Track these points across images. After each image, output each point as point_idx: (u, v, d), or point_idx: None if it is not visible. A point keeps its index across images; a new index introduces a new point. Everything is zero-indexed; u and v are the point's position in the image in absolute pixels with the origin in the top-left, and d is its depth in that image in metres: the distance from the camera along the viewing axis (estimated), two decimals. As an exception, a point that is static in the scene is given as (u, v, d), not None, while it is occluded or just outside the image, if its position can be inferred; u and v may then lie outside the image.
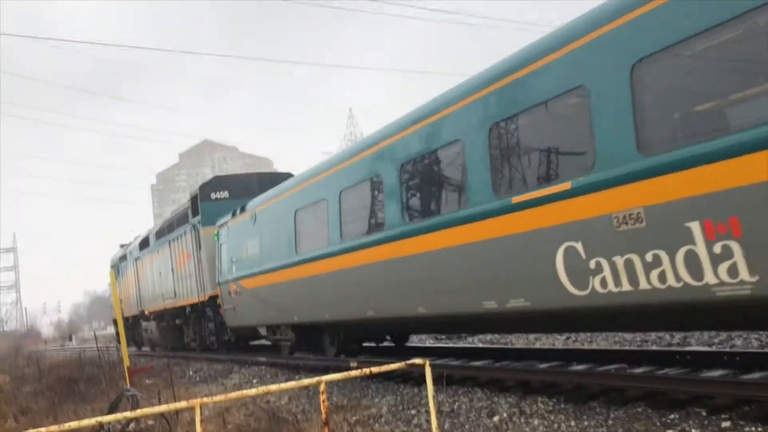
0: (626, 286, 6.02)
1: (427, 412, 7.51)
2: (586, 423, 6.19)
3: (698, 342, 9.69)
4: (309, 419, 8.64)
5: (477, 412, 7.30)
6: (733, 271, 5.16)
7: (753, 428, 5.25)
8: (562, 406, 6.90)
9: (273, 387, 4.37)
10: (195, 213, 19.10)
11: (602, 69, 6.23)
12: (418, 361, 4.58)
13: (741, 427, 5.34)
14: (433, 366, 5.06)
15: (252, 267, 14.43)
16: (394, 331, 13.23)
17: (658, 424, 5.80)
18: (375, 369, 4.71)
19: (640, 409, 6.29)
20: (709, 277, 5.32)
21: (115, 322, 33.13)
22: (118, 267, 30.45)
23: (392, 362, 9.31)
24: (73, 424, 3.66)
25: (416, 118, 9.05)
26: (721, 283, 5.26)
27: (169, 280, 21.70)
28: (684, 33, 5.50)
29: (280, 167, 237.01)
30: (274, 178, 17.85)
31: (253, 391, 4.31)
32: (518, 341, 12.58)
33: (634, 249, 5.90)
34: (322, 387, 4.25)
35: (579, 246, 6.42)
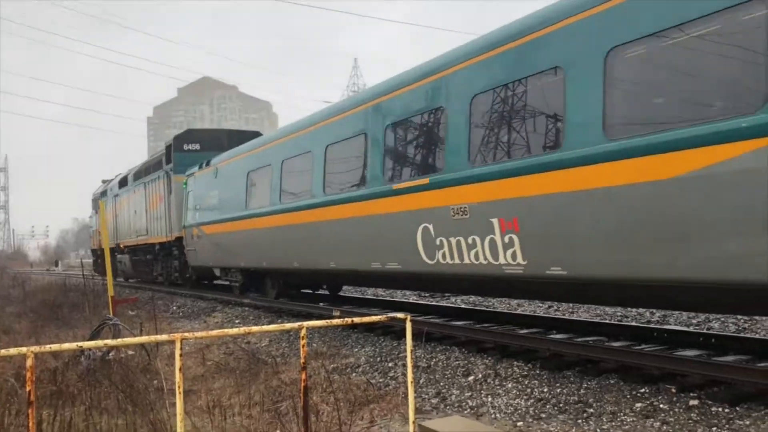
0: (457, 260, 8.10)
1: (404, 365, 7.63)
2: (558, 390, 6.30)
3: (677, 321, 9.83)
4: (288, 363, 8.76)
5: (453, 370, 7.42)
6: (514, 255, 7.23)
7: (720, 408, 5.37)
8: (538, 372, 7.02)
9: (255, 328, 4.40)
10: (168, 161, 20.87)
11: (456, 95, 8.25)
12: (399, 315, 4.62)
13: (708, 406, 5.46)
14: (414, 322, 5.11)
15: (212, 215, 16.30)
16: (318, 281, 15.38)
17: (629, 396, 5.92)
18: (357, 319, 4.74)
19: (612, 381, 6.41)
20: (501, 259, 7.36)
21: (93, 252, 35.42)
22: (98, 201, 32.19)
23: (374, 314, 9.43)
24: (54, 347, 3.68)
25: (324, 116, 11.57)
26: (508, 264, 7.32)
27: (142, 219, 23.48)
28: None
29: (280, 112, 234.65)
30: (242, 136, 19.64)
31: (234, 331, 4.34)
32: (501, 305, 12.72)
33: (462, 233, 7.93)
34: (303, 332, 4.29)
35: (431, 227, 8.47)
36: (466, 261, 7.91)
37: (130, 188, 25.70)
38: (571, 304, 12.06)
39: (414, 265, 8.89)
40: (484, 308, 11.98)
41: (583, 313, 11.31)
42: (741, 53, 5.29)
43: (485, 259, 7.61)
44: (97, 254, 34.08)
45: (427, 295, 15.15)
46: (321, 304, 13.81)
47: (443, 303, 13.32)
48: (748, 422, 5.04)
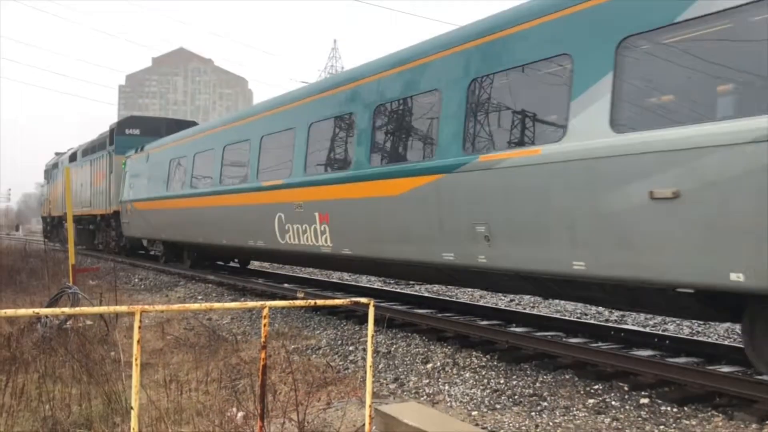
0: (296, 240, 10.86)
1: (365, 350, 7.67)
2: (514, 382, 6.41)
3: (634, 322, 10.04)
4: (248, 341, 8.74)
5: (412, 357, 7.48)
6: (327, 240, 10.01)
7: (669, 408, 5.52)
8: (495, 363, 7.12)
9: (217, 305, 4.38)
10: (111, 143, 23.58)
11: (302, 122, 11.01)
12: (363, 300, 4.63)
13: (658, 405, 5.61)
14: (377, 307, 5.14)
15: (142, 193, 18.98)
16: (220, 255, 17.90)
17: (582, 392, 6.04)
18: (320, 302, 4.75)
19: (568, 377, 6.54)
20: (320, 242, 10.15)
21: (43, 219, 37.78)
22: (51, 172, 35.06)
23: (338, 297, 9.43)
24: (10, 312, 3.61)
25: (227, 121, 14.44)
26: (324, 246, 10.10)
27: (87, 192, 26.20)
28: None
29: (255, 88, 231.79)
30: (180, 125, 22.53)
31: (195, 306, 4.31)
32: (463, 296, 12.84)
33: (300, 222, 10.61)
34: (265, 311, 4.27)
35: (283, 216, 11.15)
36: (302, 242, 10.73)
37: (79, 163, 28.06)
38: (533, 299, 12.23)
39: (272, 244, 11.74)
40: (447, 298, 12.09)
41: (544, 308, 11.48)
42: (426, 125, 8.27)
43: (311, 241, 10.46)
44: (47, 221, 36.11)
45: (392, 282, 15.22)
46: (285, 284, 13.81)
47: (407, 290, 13.39)
48: (694, 422, 5.19)
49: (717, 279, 5.13)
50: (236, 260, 18.84)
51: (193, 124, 21.69)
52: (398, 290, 13.28)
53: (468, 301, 11.69)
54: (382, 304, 10.21)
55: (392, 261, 8.89)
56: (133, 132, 23.11)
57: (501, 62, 7.07)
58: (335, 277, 17.05)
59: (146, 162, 18.95)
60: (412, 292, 12.82)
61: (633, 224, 5.67)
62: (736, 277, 5.00)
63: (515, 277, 7.23)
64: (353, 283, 15.38)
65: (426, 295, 12.49)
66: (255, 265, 20.06)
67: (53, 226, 33.95)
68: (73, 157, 29.49)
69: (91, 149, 26.33)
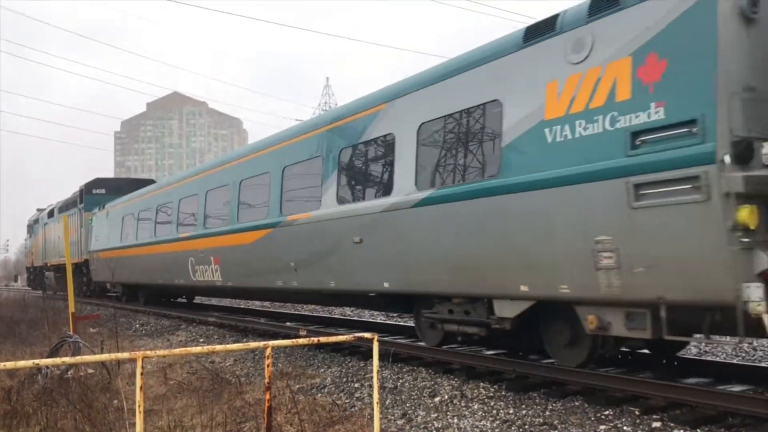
0: (201, 278, 14.78)
1: (371, 386, 7.57)
2: (524, 412, 6.32)
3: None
4: (252, 383, 8.63)
5: (419, 391, 7.38)
6: (218, 275, 13.93)
7: (681, 430, 5.44)
8: (503, 393, 7.03)
9: (219, 347, 4.33)
10: (81, 201, 27.49)
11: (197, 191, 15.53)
12: (367, 335, 4.59)
13: (671, 428, 5.52)
14: (381, 342, 5.09)
15: (104, 244, 22.89)
16: (163, 293, 21.47)
17: (593, 418, 5.95)
18: (323, 339, 4.70)
19: (577, 403, 6.45)
20: (215, 278, 13.84)
21: (27, 269, 42.95)
22: (32, 227, 39.80)
23: (341, 334, 9.35)
24: (9, 365, 3.57)
25: (156, 187, 19.21)
26: (217, 280, 13.99)
27: (63, 244, 28.18)
28: None
29: (250, 128, 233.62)
30: (138, 183, 26.52)
31: (197, 349, 4.26)
32: (467, 326, 12.74)
33: (203, 263, 14.50)
34: (268, 351, 4.23)
35: (194, 260, 15.11)
36: (206, 278, 14.69)
37: (55, 219, 31.90)
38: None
39: (188, 281, 15.72)
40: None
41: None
42: (265, 194, 12.11)
43: (210, 277, 14.39)
44: (30, 271, 41.71)
45: (395, 315, 15.11)
46: (287, 323, 13.70)
47: (410, 323, 13.28)
48: (708, 444, 5.10)
49: (380, 287, 9.05)
50: (184, 297, 22.45)
51: (151, 182, 25.56)
52: (401, 323, 13.18)
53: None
54: (386, 339, 10.12)
55: (254, 288, 13.22)
56: (99, 192, 26.71)
57: (296, 157, 11.19)
58: (337, 313, 16.94)
59: (106, 218, 23.00)
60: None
61: (350, 257, 9.53)
62: (388, 285, 8.91)
63: (311, 293, 11.53)
64: (356, 318, 15.28)
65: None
66: (256, 304, 20.81)
67: (36, 275, 38.82)
68: (50, 214, 33.75)
69: (65, 206, 30.41)
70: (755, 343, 9.35)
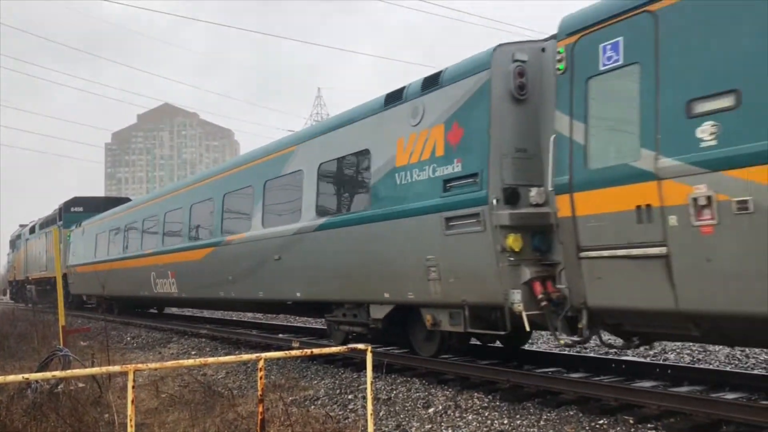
0: (161, 289, 16.75)
1: (364, 398, 7.53)
2: (518, 422, 6.29)
3: (634, 353, 9.95)
4: (245, 395, 8.57)
5: (413, 402, 7.35)
6: (175, 288, 16.00)
7: (677, 440, 5.42)
8: (498, 403, 7.00)
9: (211, 360, 4.29)
10: (60, 219, 29.43)
11: (168, 210, 17.00)
12: (360, 346, 4.56)
13: (666, 437, 5.50)
14: (374, 353, 5.06)
15: (80, 260, 24.67)
16: (134, 304, 23.58)
17: (588, 428, 5.94)
18: (316, 350, 4.67)
19: (572, 413, 6.43)
20: (172, 290, 16.09)
21: (9, 283, 46.15)
22: (15, 243, 42.29)
23: (334, 345, 9.30)
24: (-2, 379, 3.52)
25: (122, 209, 21.48)
26: (173, 291, 16.18)
27: (44, 259, 31.75)
28: None
29: (242, 139, 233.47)
30: (114, 201, 28.21)
31: (189, 362, 4.23)
32: (461, 336, 12.71)
33: (162, 277, 16.49)
34: (261, 363, 4.20)
35: (155, 273, 16.93)
36: (165, 290, 16.63)
37: (36, 235, 34.10)
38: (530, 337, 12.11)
39: (150, 292, 17.78)
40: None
41: (542, 344, 11.38)
42: (210, 218, 14.18)
43: (168, 289, 16.45)
44: (12, 285, 44.17)
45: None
46: (280, 335, 13.63)
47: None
48: (703, 453, 5.09)
49: (294, 297, 11.02)
50: (155, 308, 24.30)
51: (127, 200, 27.40)
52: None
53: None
54: (379, 350, 10.07)
55: (203, 299, 15.94)
56: (77, 210, 28.40)
57: (234, 186, 13.12)
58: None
59: (83, 235, 24.85)
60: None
61: (272, 272, 11.38)
62: (299, 295, 10.85)
63: (246, 302, 13.91)
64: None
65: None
66: (248, 316, 20.74)
67: (18, 288, 41.13)
68: (32, 230, 35.70)
69: (46, 224, 32.16)
70: (747, 351, 9.37)
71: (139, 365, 3.86)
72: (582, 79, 6.52)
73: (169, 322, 18.59)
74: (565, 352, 9.49)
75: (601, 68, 6.36)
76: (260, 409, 4.20)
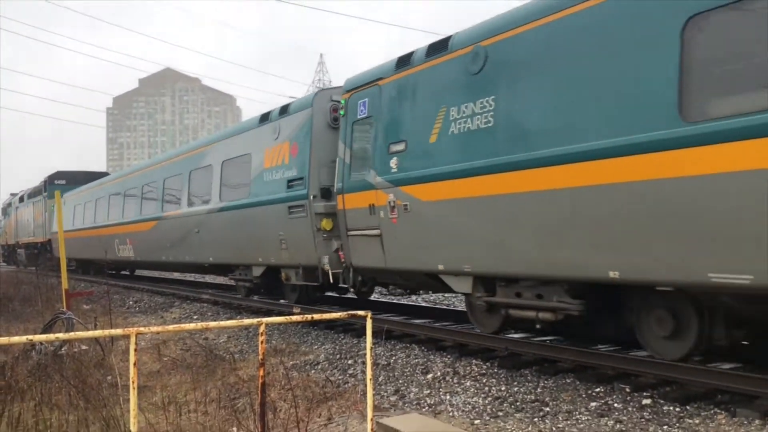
0: (123, 254, 20.47)
1: (364, 363, 7.62)
2: (516, 389, 6.37)
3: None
4: (246, 359, 8.68)
5: (412, 368, 7.44)
6: (133, 253, 19.55)
7: (671, 407, 5.51)
8: (496, 370, 7.09)
9: (212, 324, 4.34)
10: (45, 190, 32.28)
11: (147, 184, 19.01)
12: (360, 312, 4.60)
13: (660, 405, 5.59)
14: (374, 319, 5.11)
15: (65, 225, 29.25)
16: (108, 267, 24.72)
17: (584, 396, 6.02)
18: (317, 316, 4.71)
19: (569, 381, 6.51)
20: (130, 255, 19.94)
21: (2, 247, 48.49)
22: (6, 210, 45.94)
23: (335, 311, 9.39)
24: (3, 340, 3.57)
25: (94, 185, 24.80)
26: (131, 256, 20.01)
27: (31, 225, 35.30)
28: None
29: (244, 105, 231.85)
30: (94, 176, 30.02)
31: (191, 326, 4.27)
32: (460, 304, 12.81)
33: (123, 243, 20.06)
34: (262, 328, 4.24)
35: (118, 241, 20.45)
36: (125, 255, 20.00)
37: (26, 204, 37.23)
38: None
39: (115, 257, 21.07)
40: (444, 307, 12.05)
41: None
42: (158, 198, 17.73)
43: (128, 254, 19.69)
44: (4, 248, 47.33)
45: (386, 292, 15.15)
46: (282, 301, 13.74)
47: (404, 301, 13.34)
48: (697, 421, 5.17)
49: (209, 261, 14.65)
50: (128, 270, 27.44)
51: (106, 174, 31.45)
52: (395, 301, 13.22)
53: (464, 309, 11.65)
54: (379, 316, 10.16)
55: (151, 261, 19.05)
56: (61, 182, 31.07)
57: (172, 172, 16.51)
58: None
59: (64, 206, 28.01)
60: (409, 303, 12.77)
61: (194, 241, 14.86)
62: (212, 259, 14.53)
63: (179, 264, 17.33)
64: (349, 296, 15.32)
65: (423, 305, 12.45)
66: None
67: (9, 252, 44.98)
68: (21, 199, 39.02)
69: (33, 194, 35.63)
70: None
71: (141, 329, 3.90)
72: (350, 122, 9.66)
73: (170, 287, 18.71)
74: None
75: (359, 117, 9.52)
76: (261, 373, 4.26)
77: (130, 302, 16.82)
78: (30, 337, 3.86)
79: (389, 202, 8.59)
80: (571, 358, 6.96)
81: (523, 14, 6.98)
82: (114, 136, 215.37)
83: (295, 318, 4.66)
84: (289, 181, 11.09)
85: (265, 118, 12.32)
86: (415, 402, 6.29)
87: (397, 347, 8.51)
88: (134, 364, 3.72)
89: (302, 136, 10.86)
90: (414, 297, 14.24)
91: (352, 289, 10.67)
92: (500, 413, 5.75)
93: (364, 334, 4.98)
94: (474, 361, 7.46)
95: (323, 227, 10.38)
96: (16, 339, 3.71)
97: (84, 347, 9.33)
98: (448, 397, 6.34)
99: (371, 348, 4.54)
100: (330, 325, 10.52)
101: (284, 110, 11.63)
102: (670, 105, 5.44)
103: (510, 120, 6.96)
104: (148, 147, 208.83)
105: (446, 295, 13.78)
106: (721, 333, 5.97)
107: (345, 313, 4.85)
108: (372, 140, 9.04)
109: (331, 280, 10.35)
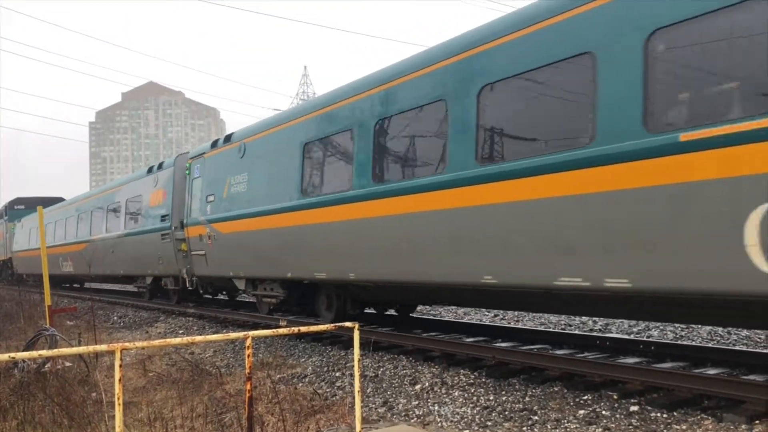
0: (65, 269, 24.89)
1: (352, 375, 7.59)
2: (504, 398, 6.37)
3: (618, 330, 10.08)
4: (232, 374, 8.60)
5: (400, 379, 7.41)
6: (72, 268, 24.04)
7: (659, 414, 5.52)
8: (484, 380, 7.08)
9: (198, 338, 4.30)
10: (5, 215, 37.21)
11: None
12: (347, 324, 4.59)
13: (648, 412, 5.60)
14: (362, 331, 5.09)
15: (20, 247, 31.95)
16: (53, 280, 26.31)
17: (572, 404, 6.02)
18: (304, 329, 4.69)
19: (557, 389, 6.52)
20: (71, 269, 24.22)
21: None
22: None
23: (322, 323, 9.34)
24: (-16, 359, 3.51)
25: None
26: (72, 270, 24.03)
27: None
28: None
29: (227, 118, 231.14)
30: (50, 201, 32.87)
31: (177, 340, 4.23)
32: (447, 314, 12.80)
33: (66, 260, 24.90)
34: (248, 342, 4.21)
35: (61, 259, 24.87)
36: (68, 270, 23.97)
37: None
38: (516, 314, 12.23)
39: (59, 271, 24.62)
40: (431, 317, 12.04)
41: (528, 321, 11.49)
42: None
43: (69, 269, 23.69)
44: None
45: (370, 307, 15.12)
46: (274, 314, 13.66)
47: (391, 311, 13.31)
48: (684, 426, 5.19)
49: (120, 272, 19.58)
50: (78, 284, 30.39)
51: (61, 199, 33.52)
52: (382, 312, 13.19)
53: (452, 319, 11.65)
54: (366, 328, 10.13)
55: (86, 275, 22.27)
56: (20, 207, 35.87)
57: (100, 204, 20.70)
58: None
59: (22, 228, 32.16)
60: (396, 314, 12.74)
61: (111, 258, 19.67)
62: (122, 272, 19.34)
63: (104, 276, 21.53)
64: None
65: (411, 315, 12.42)
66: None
67: None
68: None
69: None
70: (729, 328, 9.51)
71: (126, 344, 3.86)
72: (191, 179, 14.04)
73: (156, 302, 18.55)
74: (551, 330, 9.59)
75: (195, 176, 13.89)
76: (248, 387, 4.23)
77: (115, 317, 16.64)
78: (12, 354, 3.80)
79: (208, 233, 13.09)
80: (559, 366, 6.97)
81: (256, 128, 11.91)
82: (97, 150, 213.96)
83: (281, 331, 4.63)
84: (162, 216, 15.77)
85: (150, 170, 17.15)
86: (403, 413, 6.26)
87: (385, 358, 8.49)
88: (119, 380, 3.68)
89: (168, 185, 15.68)
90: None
91: (200, 291, 15.14)
92: (489, 423, 5.73)
93: (352, 346, 4.96)
94: (462, 370, 7.45)
95: (182, 248, 14.62)
96: (-3, 357, 3.65)
97: (68, 364, 9.21)
98: (436, 407, 6.32)
99: (359, 360, 4.52)
100: (317, 337, 10.47)
101: (160, 166, 16.56)
102: (298, 189, 10.21)
103: (252, 187, 11.59)
104: (132, 161, 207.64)
105: (433, 306, 13.79)
106: (352, 307, 10.64)
107: (332, 325, 4.83)
108: (200, 192, 13.60)
109: (188, 285, 14.99)
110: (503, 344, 8.49)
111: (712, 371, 6.41)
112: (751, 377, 6.08)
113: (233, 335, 4.50)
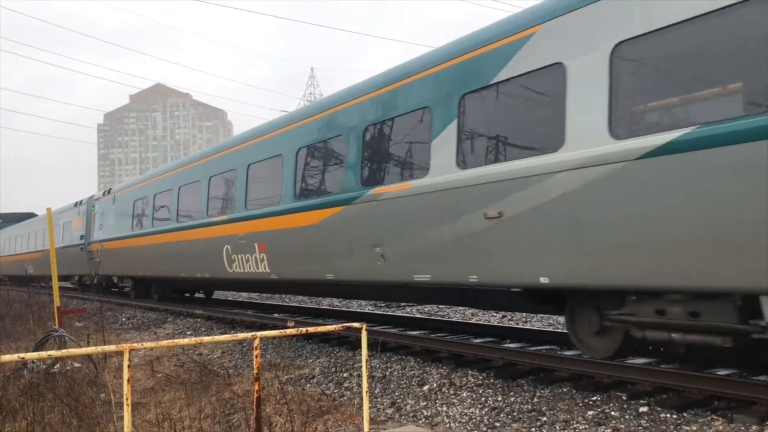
0: (32, 271, 34.14)
1: (359, 376, 7.58)
2: (512, 399, 6.35)
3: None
4: (240, 374, 8.61)
5: (408, 380, 7.40)
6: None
7: (668, 414, 5.49)
8: (492, 380, 7.06)
9: (206, 339, 4.30)
10: None
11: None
12: (355, 325, 4.58)
13: (657, 412, 5.57)
14: (369, 331, 5.08)
15: (4, 252, 39.96)
16: (24, 280, 35.01)
17: (581, 404, 6.00)
18: (311, 329, 4.69)
19: (565, 390, 6.49)
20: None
21: None
22: None
23: (330, 324, 9.34)
24: (-7, 359, 3.53)
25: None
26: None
27: None
28: None
29: (235, 120, 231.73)
30: (24, 216, 41.49)
31: (185, 341, 4.23)
32: (455, 315, 12.78)
33: (29, 265, 34.13)
34: (256, 342, 4.21)
35: (26, 262, 34.71)
36: (31, 272, 32.30)
37: None
38: (524, 315, 12.19)
39: (25, 273, 33.27)
40: (439, 318, 12.02)
41: (536, 322, 11.45)
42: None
43: (32, 271, 32.19)
44: None
45: (383, 305, 15.12)
46: (275, 314, 13.69)
47: (399, 313, 13.31)
48: (695, 427, 5.16)
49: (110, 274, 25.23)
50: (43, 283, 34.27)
51: (34, 215, 41.01)
52: (389, 313, 13.19)
53: (460, 320, 11.63)
54: (374, 328, 10.12)
55: (44, 275, 29.29)
56: None
57: (60, 221, 27.51)
58: (325, 303, 16.94)
59: (1, 239, 40.15)
60: (404, 314, 12.73)
61: (79, 260, 26.10)
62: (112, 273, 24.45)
63: (60, 276, 21.40)
64: (344, 308, 15.27)
65: (418, 316, 12.41)
66: (243, 296, 21.14)
67: None
68: None
69: None
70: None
71: (135, 345, 3.86)
72: (93, 213, 21.89)
73: (164, 303, 18.62)
74: (558, 330, 9.56)
75: (95, 212, 22.15)
76: (256, 388, 4.23)
77: (123, 319, 16.70)
78: (22, 355, 3.82)
79: (99, 248, 20.57)
80: (567, 366, 6.94)
81: (120, 187, 19.44)
82: (105, 152, 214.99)
83: (289, 331, 4.63)
84: (81, 236, 23.21)
85: (76, 204, 24.42)
86: (411, 414, 6.25)
87: (393, 359, 8.47)
88: (128, 380, 3.68)
89: (84, 216, 23.00)
90: (408, 309, 14.21)
91: (102, 284, 22.17)
92: (497, 423, 5.72)
93: (359, 346, 4.95)
94: (470, 371, 7.43)
95: (92, 258, 21.71)
96: (7, 357, 3.67)
97: (77, 365, 9.25)
98: (444, 408, 6.30)
99: (367, 360, 4.52)
100: (324, 338, 10.47)
101: (80, 203, 23.93)
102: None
103: (116, 221, 19.35)
104: (140, 163, 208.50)
105: (440, 306, 13.77)
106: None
107: (339, 325, 4.83)
108: (96, 222, 21.07)
109: (94, 281, 22.50)
110: (511, 345, 8.47)
111: (722, 372, 6.37)
112: (762, 378, 6.03)
113: (241, 336, 4.50)
